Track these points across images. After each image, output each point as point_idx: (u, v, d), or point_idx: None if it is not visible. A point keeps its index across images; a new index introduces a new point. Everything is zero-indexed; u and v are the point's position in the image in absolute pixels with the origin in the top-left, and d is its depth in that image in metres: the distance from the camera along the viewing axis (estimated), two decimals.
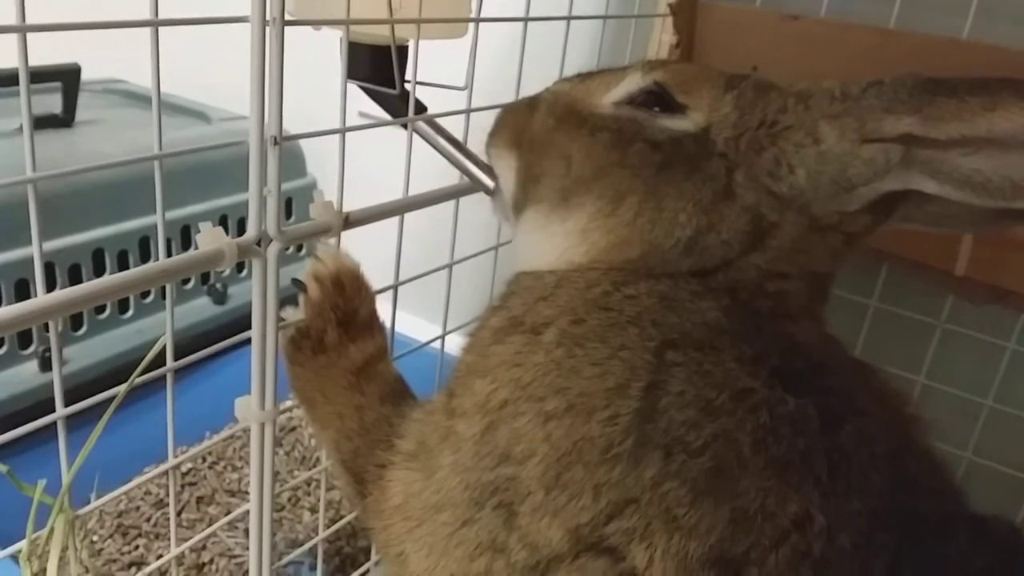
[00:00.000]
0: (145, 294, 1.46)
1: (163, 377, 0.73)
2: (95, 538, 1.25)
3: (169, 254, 0.67)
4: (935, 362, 1.18)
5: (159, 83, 0.64)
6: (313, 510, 1.35)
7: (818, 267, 0.69)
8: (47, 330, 0.83)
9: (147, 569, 0.81)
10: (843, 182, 0.64)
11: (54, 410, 0.66)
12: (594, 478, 0.56)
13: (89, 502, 0.75)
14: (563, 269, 0.70)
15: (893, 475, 0.57)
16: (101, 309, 1.40)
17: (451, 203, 0.96)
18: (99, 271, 1.36)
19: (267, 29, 0.64)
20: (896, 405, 0.64)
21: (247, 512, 0.82)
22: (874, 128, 0.62)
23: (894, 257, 1.14)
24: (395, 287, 0.93)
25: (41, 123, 1.46)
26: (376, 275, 0.85)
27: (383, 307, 0.85)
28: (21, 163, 0.58)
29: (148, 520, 1.30)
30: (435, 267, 1.00)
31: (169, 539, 0.84)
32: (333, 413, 0.77)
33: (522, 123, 0.78)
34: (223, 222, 1.53)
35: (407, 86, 0.86)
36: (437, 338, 1.04)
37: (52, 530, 0.69)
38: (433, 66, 0.87)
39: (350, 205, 0.81)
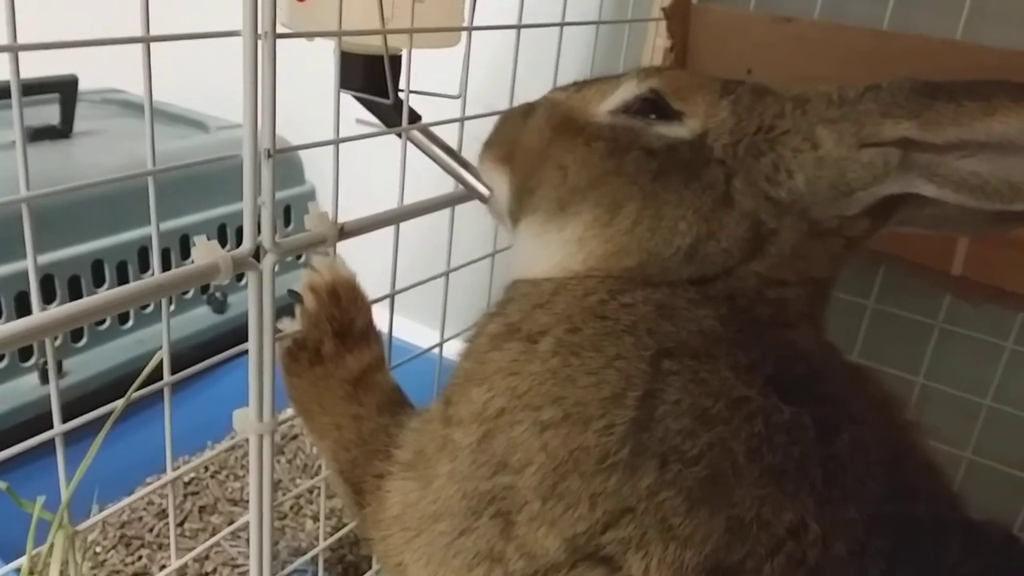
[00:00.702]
0: (145, 305, 1.47)
1: (162, 389, 0.73)
2: (98, 549, 1.25)
3: (168, 265, 0.67)
4: (933, 362, 1.19)
5: (151, 98, 0.64)
6: (316, 518, 1.35)
7: (818, 272, 0.69)
8: None
9: None
10: (842, 186, 0.64)
11: (54, 424, 0.67)
12: (590, 487, 0.56)
13: (90, 514, 0.75)
14: (560, 277, 0.70)
15: (889, 482, 0.57)
16: (101, 320, 1.40)
17: (447, 210, 0.97)
18: (98, 282, 1.36)
19: (259, 42, 0.64)
20: (892, 411, 0.64)
21: (248, 522, 0.82)
22: (872, 132, 0.62)
23: (891, 258, 1.14)
24: (391, 296, 0.93)
25: (39, 134, 1.47)
26: (374, 282, 0.85)
27: (381, 315, 0.85)
28: (18, 176, 0.59)
29: (151, 531, 1.30)
30: (432, 274, 1.00)
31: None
32: (331, 424, 0.77)
33: (517, 134, 0.78)
34: (222, 231, 1.53)
35: (401, 95, 0.86)
36: (435, 345, 1.04)
37: (52, 546, 0.69)
38: (427, 75, 0.87)
39: (349, 212, 0.81)
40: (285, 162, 1.45)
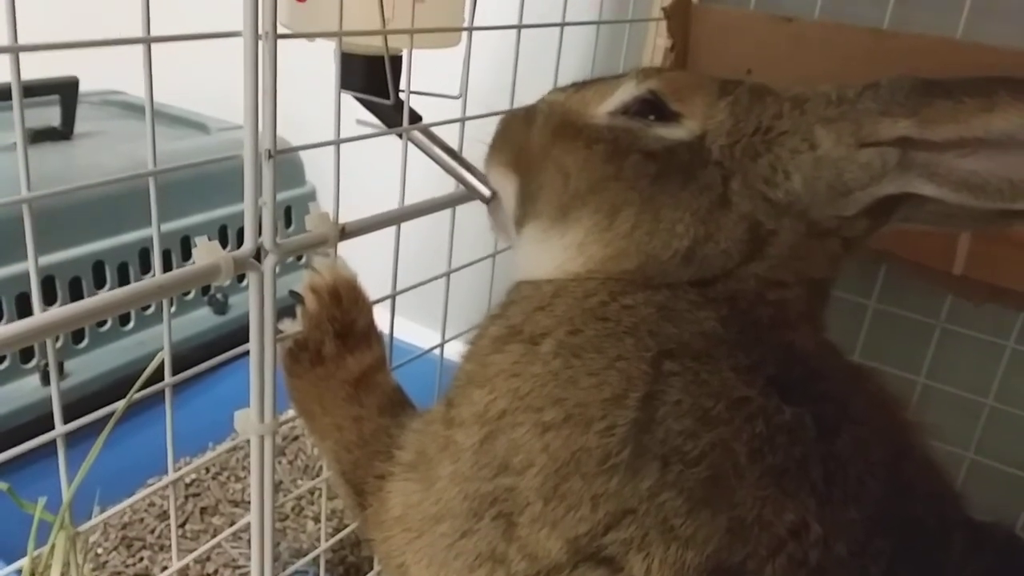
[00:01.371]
0: (146, 306, 1.47)
1: (163, 391, 0.73)
2: (100, 551, 1.25)
3: (169, 266, 0.67)
4: (935, 362, 1.18)
5: (152, 99, 0.64)
6: (317, 520, 1.35)
7: (817, 273, 0.69)
8: None
9: None
10: (840, 187, 0.64)
11: (56, 425, 0.67)
12: (592, 489, 0.56)
13: (92, 515, 0.75)
14: (561, 278, 0.70)
15: (890, 482, 0.57)
16: (102, 322, 1.40)
17: (448, 210, 0.97)
18: (99, 284, 1.36)
19: (260, 43, 0.64)
20: (893, 411, 0.64)
21: (250, 523, 0.82)
22: (870, 132, 0.62)
23: (892, 257, 1.14)
24: (392, 296, 0.93)
25: (40, 136, 1.47)
26: (375, 283, 0.85)
27: (382, 316, 0.85)
28: (19, 177, 0.59)
29: (152, 532, 1.30)
30: (434, 275, 1.00)
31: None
32: (332, 425, 0.77)
33: (520, 139, 0.78)
34: (223, 233, 1.53)
35: (401, 96, 0.86)
36: (436, 346, 1.04)
37: (53, 547, 0.69)
38: (427, 75, 0.87)
39: (350, 213, 0.81)
40: (286, 163, 1.45)
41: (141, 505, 1.33)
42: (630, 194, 0.68)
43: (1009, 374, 1.14)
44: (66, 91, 1.48)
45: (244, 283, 1.59)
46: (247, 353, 0.75)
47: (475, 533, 0.61)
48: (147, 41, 0.62)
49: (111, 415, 0.70)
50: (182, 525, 1.32)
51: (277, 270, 0.73)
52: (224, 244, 0.69)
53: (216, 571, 1.23)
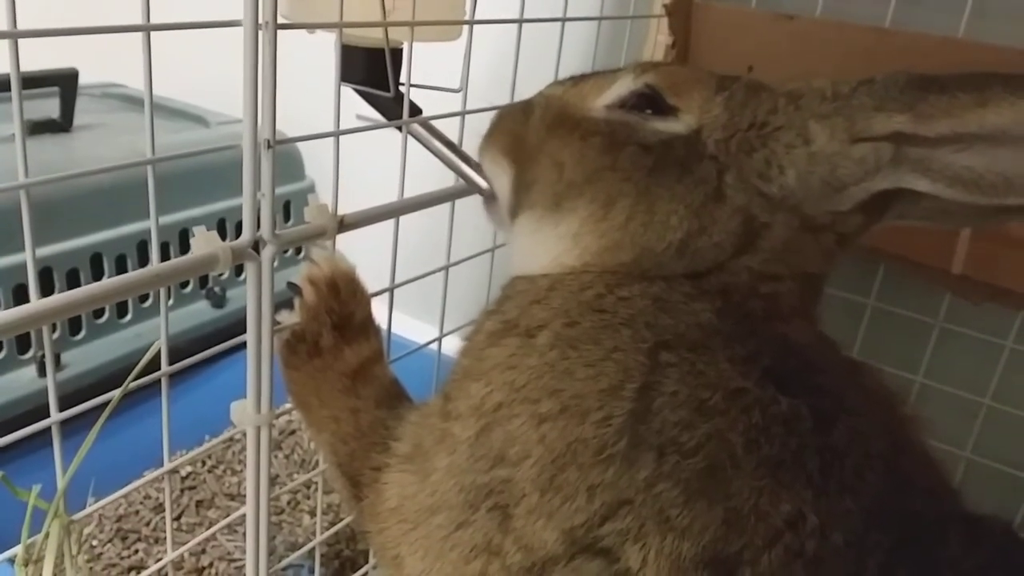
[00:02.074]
0: (143, 298, 1.47)
1: (160, 381, 0.73)
2: (94, 543, 1.25)
3: (167, 259, 0.67)
4: (933, 361, 1.18)
5: (151, 86, 0.64)
6: (313, 513, 1.35)
7: (810, 267, 0.69)
8: None
9: (145, 573, 0.81)
10: (834, 182, 0.64)
11: (51, 412, 0.66)
12: (588, 479, 0.56)
13: (86, 506, 0.75)
14: (557, 272, 0.70)
15: (887, 474, 0.57)
16: (100, 313, 1.40)
17: (448, 204, 0.96)
18: (97, 275, 1.36)
19: (260, 33, 0.64)
20: (890, 404, 0.64)
21: (245, 516, 0.82)
22: (864, 127, 0.62)
23: (891, 256, 1.14)
24: (391, 289, 0.93)
25: (39, 128, 1.47)
26: (373, 277, 0.85)
27: (380, 309, 0.85)
28: (18, 167, 0.58)
29: (147, 524, 1.29)
30: (432, 268, 1.00)
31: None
32: (329, 417, 0.77)
33: (515, 129, 0.78)
34: (221, 225, 1.53)
35: (401, 88, 0.86)
36: (434, 340, 1.04)
37: (47, 535, 0.69)
38: (428, 68, 0.87)
39: (349, 207, 0.81)
40: (285, 157, 1.45)
41: (136, 497, 1.33)
42: (625, 186, 0.68)
43: (1007, 374, 1.14)
44: (66, 83, 1.48)
45: (242, 277, 1.60)
46: (244, 348, 0.75)
47: (471, 525, 0.61)
48: (146, 29, 0.62)
49: (107, 404, 0.70)
50: (177, 518, 1.32)
51: (275, 262, 0.72)
52: (223, 238, 0.69)
53: (211, 564, 1.23)
